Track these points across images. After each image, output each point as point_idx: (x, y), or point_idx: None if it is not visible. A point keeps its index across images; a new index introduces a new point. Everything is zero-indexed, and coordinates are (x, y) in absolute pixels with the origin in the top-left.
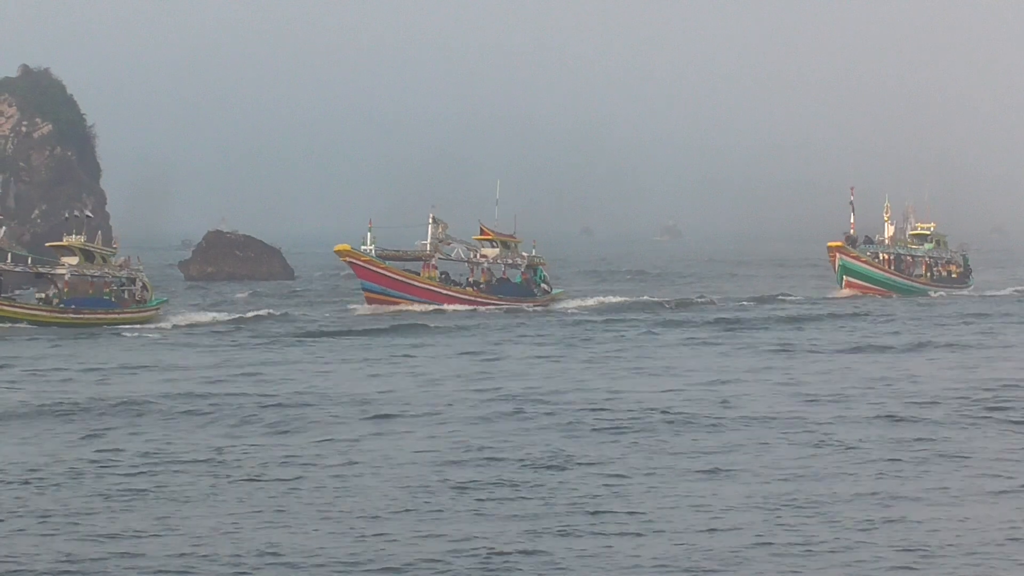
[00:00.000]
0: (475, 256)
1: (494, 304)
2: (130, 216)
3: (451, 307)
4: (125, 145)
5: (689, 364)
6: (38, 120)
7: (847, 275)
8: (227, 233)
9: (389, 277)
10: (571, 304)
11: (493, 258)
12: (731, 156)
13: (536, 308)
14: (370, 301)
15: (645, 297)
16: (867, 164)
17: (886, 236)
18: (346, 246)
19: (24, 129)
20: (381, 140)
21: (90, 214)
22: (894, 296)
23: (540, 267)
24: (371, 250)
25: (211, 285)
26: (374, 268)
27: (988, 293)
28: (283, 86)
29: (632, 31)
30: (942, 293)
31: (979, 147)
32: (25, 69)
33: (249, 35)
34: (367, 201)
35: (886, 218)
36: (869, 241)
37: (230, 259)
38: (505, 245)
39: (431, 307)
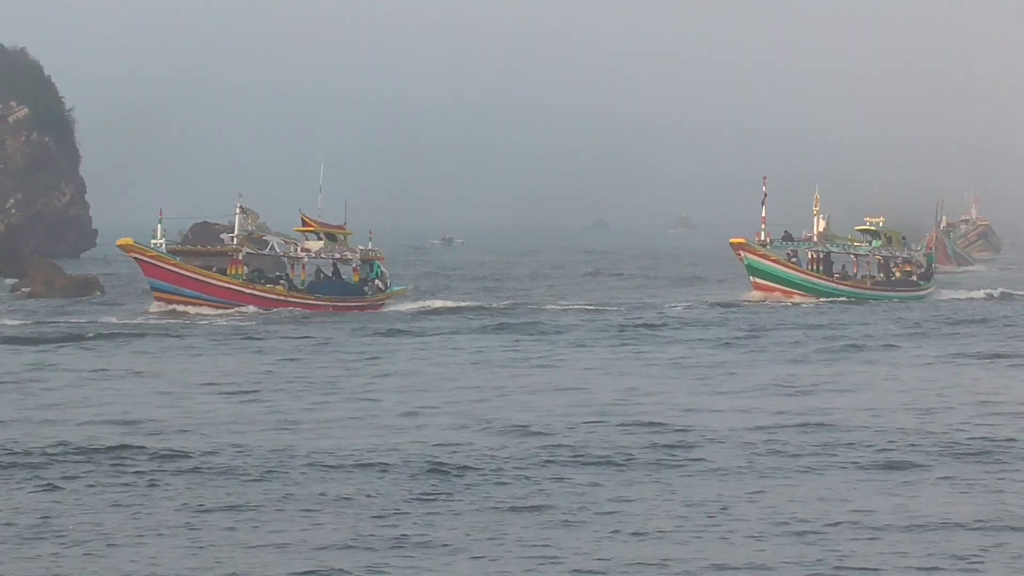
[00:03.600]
0: (296, 250)
1: (310, 305)
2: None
3: (253, 309)
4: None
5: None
6: (13, 103)
7: (755, 276)
8: (214, 224)
9: (181, 275)
10: (411, 306)
11: (317, 252)
12: (755, 148)
13: (362, 308)
14: (161, 301)
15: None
16: (900, 158)
17: (815, 232)
18: (128, 240)
19: None
20: (383, 127)
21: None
22: (818, 301)
23: (377, 262)
24: (161, 244)
25: None
26: (163, 265)
27: (951, 296)
28: (271, 67)
29: (652, 19)
30: (898, 296)
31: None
32: (0, 49)
33: (241, 13)
34: (367, 189)
35: (815, 211)
36: (788, 238)
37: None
38: (331, 237)
39: (233, 308)
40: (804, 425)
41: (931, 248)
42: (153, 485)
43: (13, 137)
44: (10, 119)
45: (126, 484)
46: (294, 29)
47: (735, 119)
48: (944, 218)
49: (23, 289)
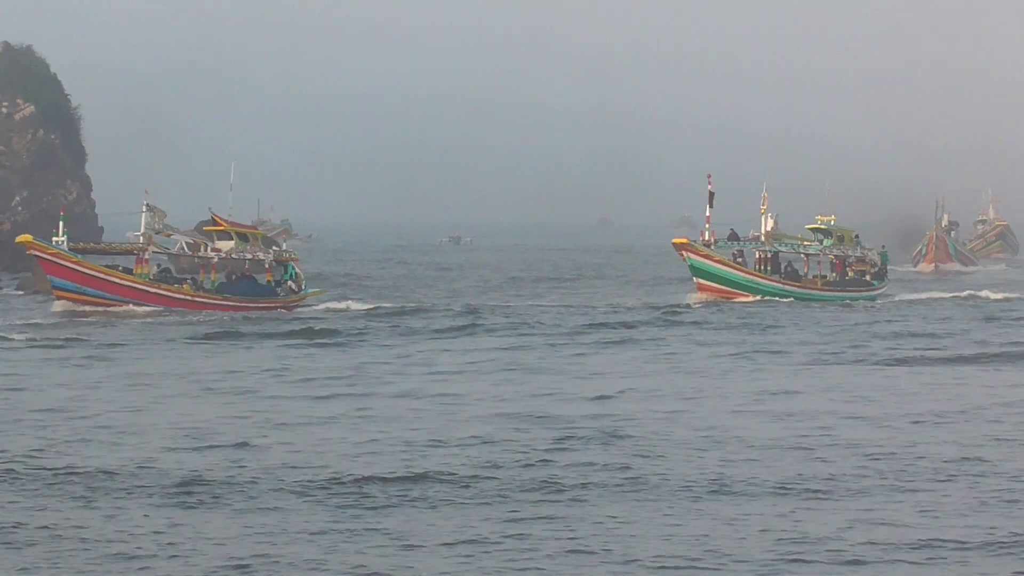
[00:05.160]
0: (206, 250)
1: (217, 306)
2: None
3: (151, 307)
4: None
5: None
6: (19, 101)
7: (698, 276)
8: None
9: (84, 273)
10: (319, 308)
11: (228, 252)
12: (761, 147)
13: (273, 310)
14: (63, 300)
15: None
16: (910, 157)
17: (762, 231)
18: (27, 237)
19: (4, 111)
20: (390, 126)
21: None
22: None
23: (291, 264)
24: (63, 242)
25: None
26: (64, 263)
27: (909, 298)
28: (280, 68)
29: (658, 15)
30: (849, 297)
31: None
32: (6, 46)
33: (247, 13)
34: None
35: (763, 210)
36: (735, 237)
37: None
38: (243, 237)
39: (139, 308)
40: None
41: (931, 247)
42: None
43: (19, 135)
44: (16, 117)
45: None
46: (302, 28)
47: (742, 117)
48: (946, 216)
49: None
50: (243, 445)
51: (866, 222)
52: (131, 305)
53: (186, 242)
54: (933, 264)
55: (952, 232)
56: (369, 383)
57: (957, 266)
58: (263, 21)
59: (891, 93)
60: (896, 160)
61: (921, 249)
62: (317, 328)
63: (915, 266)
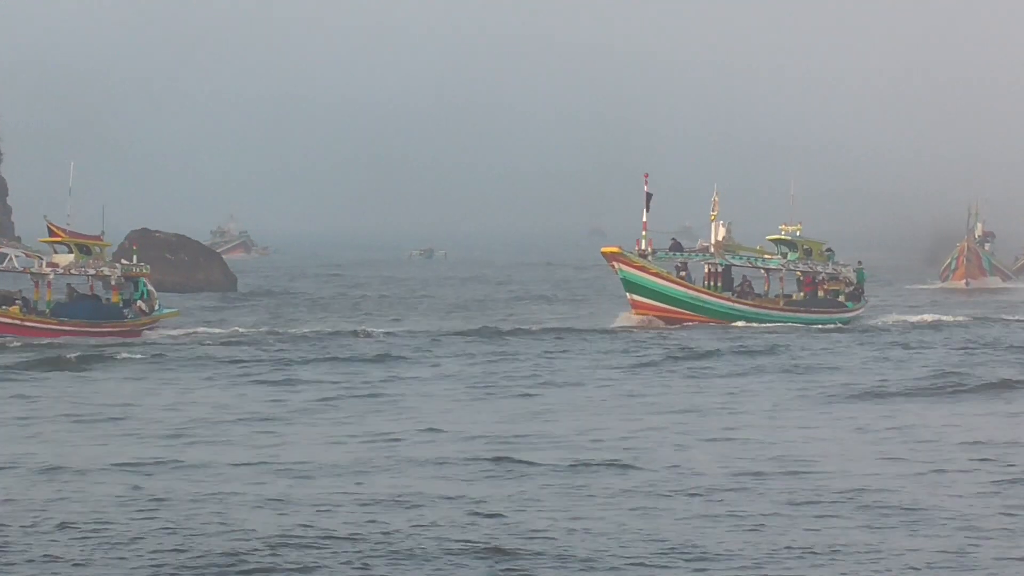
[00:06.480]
0: (41, 266)
1: (51, 331)
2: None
3: None
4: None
5: None
6: None
7: (632, 292)
8: (156, 232)
9: None
10: (174, 332)
11: (66, 268)
12: (762, 155)
13: (120, 335)
14: None
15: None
16: (938, 167)
17: (712, 240)
18: None
19: None
20: (358, 134)
21: None
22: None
23: (142, 280)
24: None
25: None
26: None
27: (894, 320)
28: (238, 69)
29: (652, 19)
30: (816, 319)
31: None
32: None
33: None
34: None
35: (712, 216)
36: (677, 248)
37: (159, 263)
38: (84, 250)
39: None
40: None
41: (962, 260)
42: None
43: None
44: None
45: None
46: (266, 26)
47: (754, 124)
48: (980, 226)
49: None
50: None
51: (891, 232)
52: None
53: (16, 256)
54: (964, 279)
55: (987, 244)
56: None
57: (992, 282)
58: (219, 17)
59: (920, 98)
60: (931, 168)
61: (950, 263)
62: (117, 358)
63: (944, 281)
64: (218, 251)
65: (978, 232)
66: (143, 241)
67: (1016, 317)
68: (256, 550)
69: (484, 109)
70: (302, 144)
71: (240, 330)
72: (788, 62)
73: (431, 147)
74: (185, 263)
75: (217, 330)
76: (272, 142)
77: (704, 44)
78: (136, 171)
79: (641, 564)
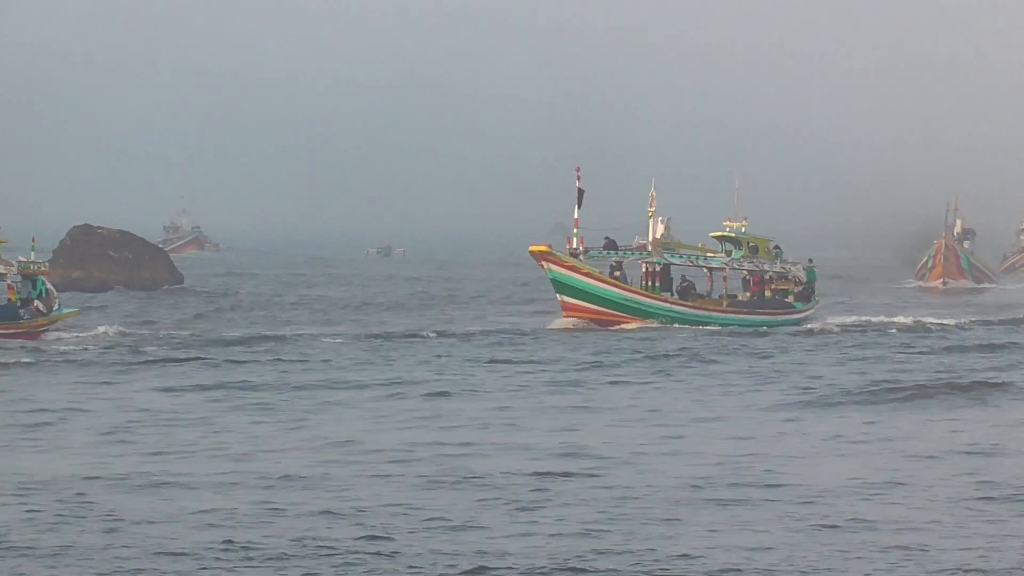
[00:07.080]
0: None
1: None
2: None
3: None
4: None
5: None
6: None
7: (563, 293)
8: (98, 229)
9: None
10: (82, 334)
11: None
12: (747, 146)
13: (14, 337)
14: None
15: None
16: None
17: (649, 238)
18: None
19: None
20: (310, 120)
21: None
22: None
23: (40, 278)
24: None
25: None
26: None
27: (829, 323)
28: (175, 49)
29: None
30: (762, 321)
31: None
32: None
33: None
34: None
35: (650, 212)
36: (612, 246)
37: (102, 261)
38: None
39: None
40: None
41: (939, 259)
42: None
43: None
44: None
45: None
46: (207, 2)
47: (731, 114)
48: (959, 222)
49: None
50: None
51: (863, 227)
52: None
53: None
54: (941, 279)
55: (966, 241)
56: None
57: (968, 282)
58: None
59: (899, 88)
60: (911, 158)
61: (927, 261)
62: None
63: (920, 280)
64: (171, 247)
65: (957, 229)
66: (86, 238)
67: (955, 321)
68: None
69: (449, 91)
70: (241, 132)
71: (141, 332)
72: (768, 49)
73: (375, 134)
74: (129, 261)
75: (120, 328)
76: (229, 132)
77: (685, 31)
78: (77, 157)
79: None
